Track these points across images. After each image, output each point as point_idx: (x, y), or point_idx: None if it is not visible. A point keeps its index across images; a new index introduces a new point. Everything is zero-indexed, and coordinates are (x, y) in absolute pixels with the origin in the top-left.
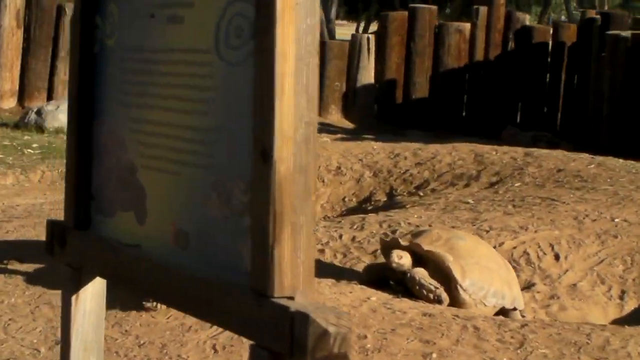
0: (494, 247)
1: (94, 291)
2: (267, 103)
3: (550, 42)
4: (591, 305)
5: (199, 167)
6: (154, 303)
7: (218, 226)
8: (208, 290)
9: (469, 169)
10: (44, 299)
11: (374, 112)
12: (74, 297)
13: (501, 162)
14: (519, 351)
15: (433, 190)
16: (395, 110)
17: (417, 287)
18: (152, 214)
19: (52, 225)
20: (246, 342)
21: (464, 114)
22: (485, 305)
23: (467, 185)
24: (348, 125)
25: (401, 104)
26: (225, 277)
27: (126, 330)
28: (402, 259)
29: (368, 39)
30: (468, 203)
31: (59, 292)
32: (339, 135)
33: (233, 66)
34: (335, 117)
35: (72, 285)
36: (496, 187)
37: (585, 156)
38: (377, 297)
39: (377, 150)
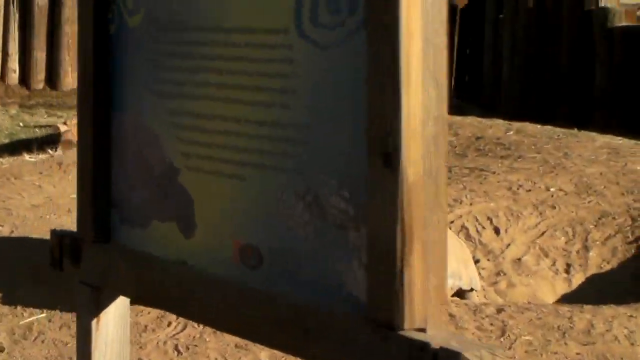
0: None
1: (118, 313)
2: (389, 94)
3: None
4: (539, 281)
5: (274, 170)
6: None
7: (306, 242)
8: (298, 317)
9: None
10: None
11: None
12: (94, 322)
13: None
14: (502, 339)
15: None
16: None
17: None
18: (203, 225)
19: (60, 237)
20: (211, 341)
21: None
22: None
23: None
24: None
25: None
26: (321, 302)
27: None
28: None
29: None
30: None
31: None
32: None
33: (324, 49)
34: None
35: (90, 306)
36: None
37: (501, 122)
38: None
39: None
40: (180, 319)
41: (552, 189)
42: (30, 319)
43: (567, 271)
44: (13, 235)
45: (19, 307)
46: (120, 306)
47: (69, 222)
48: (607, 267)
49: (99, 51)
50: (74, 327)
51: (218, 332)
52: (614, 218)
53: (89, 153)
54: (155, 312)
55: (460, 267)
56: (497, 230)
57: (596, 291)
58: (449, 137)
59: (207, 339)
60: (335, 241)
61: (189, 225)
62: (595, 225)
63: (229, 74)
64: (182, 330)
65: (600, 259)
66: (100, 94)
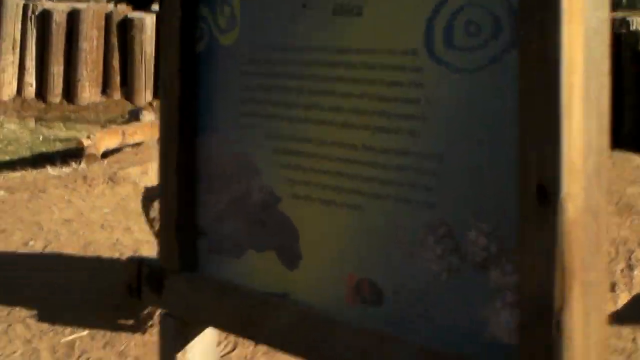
0: None
1: (205, 344)
2: (547, 123)
3: None
4: None
5: (400, 201)
6: (149, 322)
7: (437, 279)
8: None
9: None
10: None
11: None
12: (179, 355)
13: None
14: None
15: None
16: None
17: None
18: (310, 256)
19: (138, 265)
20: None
21: None
22: None
23: None
24: None
25: None
26: (458, 346)
27: (121, 352)
28: None
29: None
30: None
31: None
32: None
33: (461, 73)
34: None
35: (176, 339)
36: None
37: None
38: None
39: None
40: (230, 337)
41: None
42: (72, 336)
43: (612, 290)
44: (46, 250)
45: (59, 325)
46: (207, 337)
47: (103, 238)
48: None
49: (185, 70)
50: (118, 345)
51: (270, 352)
52: None
53: (173, 178)
54: None
55: None
56: None
57: None
58: None
59: (248, 344)
60: (473, 280)
61: (293, 256)
62: (639, 245)
63: (346, 97)
64: (232, 350)
65: None
66: (186, 116)
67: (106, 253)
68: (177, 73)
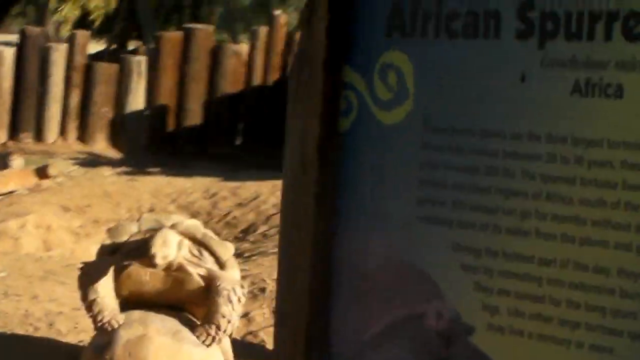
0: None
1: None
2: None
3: None
4: None
5: None
6: None
7: None
8: None
9: None
10: None
11: (144, 140)
12: None
13: None
14: None
15: (264, 236)
16: (168, 139)
17: None
18: None
19: None
20: None
21: (237, 142)
22: None
23: None
24: (116, 155)
25: (173, 131)
26: None
27: None
28: None
29: (139, 61)
30: None
31: None
32: (119, 169)
33: None
34: (102, 145)
35: None
36: None
37: None
38: None
39: (190, 189)
40: None
41: None
42: None
43: None
44: None
45: None
46: None
47: (10, 309)
48: None
49: (326, 151)
50: None
51: None
52: None
53: (303, 288)
54: None
55: None
56: None
57: None
58: None
59: None
60: None
61: None
62: None
63: (591, 205)
64: None
65: None
66: (323, 207)
67: (17, 328)
68: (316, 154)
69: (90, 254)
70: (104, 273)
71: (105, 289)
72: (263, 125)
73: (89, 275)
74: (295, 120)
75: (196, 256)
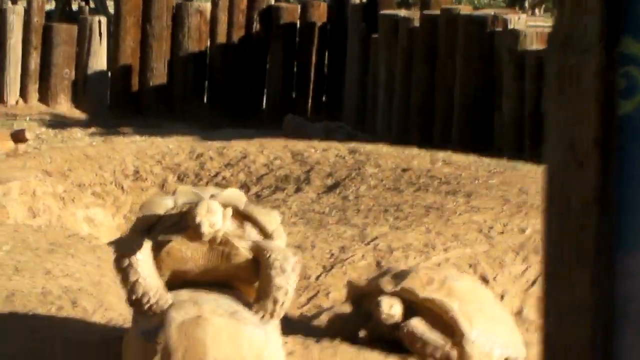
0: None
1: None
2: None
3: (299, 22)
4: None
5: None
6: None
7: None
8: None
9: (292, 170)
10: None
11: (108, 101)
12: None
13: (328, 162)
14: None
15: (258, 196)
16: (132, 99)
17: (419, 345)
18: None
19: None
20: None
21: (205, 101)
22: (491, 358)
23: (299, 190)
24: (80, 115)
25: (137, 91)
26: None
27: None
28: (393, 308)
29: (99, 21)
30: (323, 213)
31: None
32: (89, 131)
33: None
34: (65, 107)
35: None
36: (337, 191)
37: (417, 151)
38: None
39: (175, 150)
40: None
41: (527, 231)
42: None
43: None
44: None
45: None
46: None
47: (26, 287)
48: None
49: (604, 143)
50: None
51: None
52: None
53: (580, 323)
54: None
55: (508, 334)
56: (484, 280)
57: None
58: (371, 169)
59: None
60: None
61: None
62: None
63: None
64: None
65: None
66: (606, 211)
67: (39, 308)
68: (594, 144)
69: (77, 220)
70: (142, 252)
71: (146, 268)
72: (229, 83)
73: (126, 256)
74: (560, 108)
75: (240, 227)
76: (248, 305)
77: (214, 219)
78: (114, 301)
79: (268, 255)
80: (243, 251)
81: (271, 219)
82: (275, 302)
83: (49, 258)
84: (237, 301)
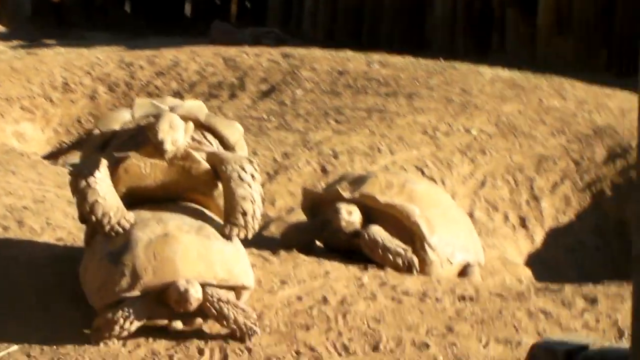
0: None
1: None
2: None
3: None
4: (502, 240)
5: None
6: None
7: None
8: None
9: (225, 77)
10: None
11: (28, 12)
12: None
13: (261, 66)
14: None
15: None
16: (53, 10)
17: (380, 251)
18: None
19: None
20: None
21: (128, 10)
22: (452, 264)
23: (233, 96)
24: (0, 29)
25: (59, 2)
26: None
27: None
28: (352, 215)
29: None
30: (261, 119)
31: None
32: (12, 43)
33: None
34: None
35: None
36: (273, 96)
37: (351, 53)
38: (349, 272)
39: (104, 60)
40: None
41: (472, 132)
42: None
43: (523, 225)
44: None
45: None
46: None
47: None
48: (565, 219)
49: None
50: None
51: None
52: (554, 162)
53: None
54: None
55: (468, 239)
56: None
57: (563, 250)
58: (306, 73)
59: None
60: None
61: None
62: (537, 172)
63: None
64: None
65: (554, 210)
66: None
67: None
68: None
69: (7, 135)
70: (99, 171)
71: (105, 187)
72: None
73: (82, 176)
74: None
75: (198, 140)
76: (211, 220)
77: (177, 135)
78: (60, 219)
79: (224, 167)
80: (204, 164)
81: (233, 130)
82: (244, 214)
83: None
84: (201, 216)
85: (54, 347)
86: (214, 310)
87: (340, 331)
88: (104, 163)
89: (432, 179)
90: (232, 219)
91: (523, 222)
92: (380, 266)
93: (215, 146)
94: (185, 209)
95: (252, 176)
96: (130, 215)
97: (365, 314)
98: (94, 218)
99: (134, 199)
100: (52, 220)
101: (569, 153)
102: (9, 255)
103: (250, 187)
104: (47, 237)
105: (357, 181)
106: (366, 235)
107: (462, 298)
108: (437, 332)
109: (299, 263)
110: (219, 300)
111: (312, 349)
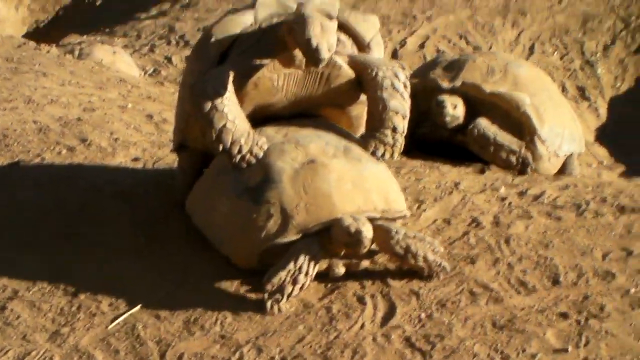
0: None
1: None
2: None
3: None
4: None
5: None
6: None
7: None
8: None
9: None
10: None
11: None
12: None
13: None
14: None
15: None
16: None
17: (492, 148)
18: None
19: None
20: None
21: None
22: (558, 157)
23: None
24: None
25: None
26: None
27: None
28: (457, 109)
29: None
30: None
31: None
32: None
33: None
34: None
35: None
36: None
37: None
38: (477, 180)
39: None
40: None
41: None
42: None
43: (583, 96)
44: None
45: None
46: None
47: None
48: (624, 87)
49: None
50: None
51: None
52: (600, 22)
53: None
54: None
55: (573, 127)
56: (476, 50)
57: (629, 122)
58: None
59: None
60: None
61: None
62: (584, 33)
63: None
64: None
65: (612, 76)
66: None
67: (45, 153)
68: None
69: None
70: (226, 89)
71: (233, 109)
72: None
73: (207, 96)
74: None
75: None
76: (350, 137)
77: (332, 39)
78: (123, 131)
79: (374, 72)
80: (347, 70)
81: (369, 25)
82: (394, 130)
83: (19, 80)
84: (339, 133)
85: (184, 309)
86: (399, 249)
87: (510, 262)
88: (229, 78)
89: (478, 47)
90: (380, 135)
91: (582, 93)
92: (490, 163)
93: (349, 46)
94: (315, 124)
95: (405, 86)
96: (263, 141)
97: (529, 239)
98: (221, 147)
99: (256, 117)
100: (116, 134)
101: (615, 9)
102: (90, 186)
103: (403, 98)
104: (122, 158)
105: (453, 66)
106: (475, 131)
107: (622, 209)
108: (616, 256)
109: (406, 164)
110: (406, 236)
111: (486, 287)
